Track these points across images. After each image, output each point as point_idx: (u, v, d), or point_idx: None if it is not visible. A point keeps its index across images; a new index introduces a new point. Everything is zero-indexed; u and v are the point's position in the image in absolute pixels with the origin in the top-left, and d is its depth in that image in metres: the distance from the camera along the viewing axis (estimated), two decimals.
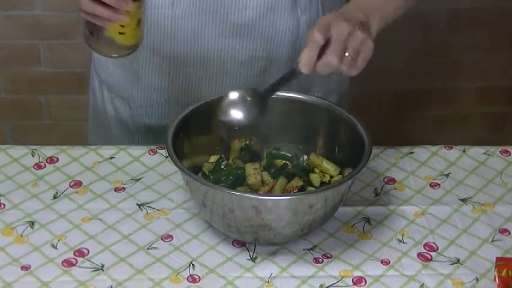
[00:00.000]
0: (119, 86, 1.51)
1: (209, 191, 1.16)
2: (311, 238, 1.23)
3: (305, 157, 1.31)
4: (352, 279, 1.17)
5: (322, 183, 1.26)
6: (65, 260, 1.18)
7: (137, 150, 1.40)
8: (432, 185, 1.36)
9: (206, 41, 1.40)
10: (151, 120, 1.50)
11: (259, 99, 1.20)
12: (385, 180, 1.37)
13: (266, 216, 1.15)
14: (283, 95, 1.32)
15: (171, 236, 1.23)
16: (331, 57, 1.14)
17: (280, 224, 1.16)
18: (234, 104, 1.19)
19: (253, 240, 1.20)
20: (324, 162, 1.28)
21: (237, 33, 1.39)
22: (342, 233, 1.25)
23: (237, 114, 1.19)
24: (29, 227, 1.24)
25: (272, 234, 1.18)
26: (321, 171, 1.28)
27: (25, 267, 1.17)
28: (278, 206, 1.15)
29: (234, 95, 1.19)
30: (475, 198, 1.33)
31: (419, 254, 1.22)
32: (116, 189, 1.32)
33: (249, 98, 1.20)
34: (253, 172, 1.26)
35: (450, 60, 2.53)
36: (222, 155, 1.30)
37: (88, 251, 1.20)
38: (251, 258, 1.20)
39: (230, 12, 1.37)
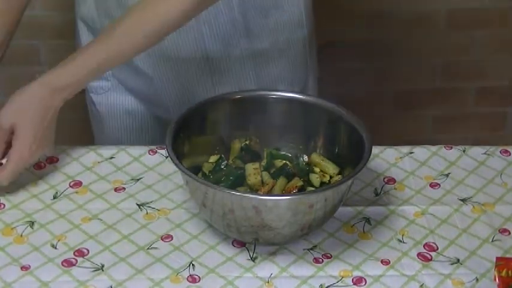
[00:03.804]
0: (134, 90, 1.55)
1: (209, 191, 1.16)
2: (311, 238, 1.23)
3: (305, 157, 1.31)
4: (352, 279, 1.17)
5: (322, 183, 1.26)
6: (64, 260, 1.18)
7: (137, 150, 1.40)
8: (432, 185, 1.36)
9: (206, 41, 1.40)
10: (167, 115, 1.52)
11: None
12: (385, 180, 1.37)
13: (266, 216, 1.14)
14: (283, 95, 1.33)
15: (171, 236, 1.23)
16: None
17: (280, 224, 1.16)
18: None
19: (253, 240, 1.20)
20: (324, 162, 1.28)
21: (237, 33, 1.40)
22: (342, 233, 1.25)
23: None
24: (29, 227, 1.24)
25: (272, 234, 1.18)
26: (321, 171, 1.28)
27: (25, 267, 1.16)
28: (278, 206, 1.15)
29: None
30: (475, 198, 1.33)
31: (419, 254, 1.22)
32: (115, 189, 1.32)
33: None
34: (253, 172, 1.26)
35: (450, 60, 2.53)
36: (222, 155, 1.30)
37: (88, 251, 1.20)
38: (251, 258, 1.20)
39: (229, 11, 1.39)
